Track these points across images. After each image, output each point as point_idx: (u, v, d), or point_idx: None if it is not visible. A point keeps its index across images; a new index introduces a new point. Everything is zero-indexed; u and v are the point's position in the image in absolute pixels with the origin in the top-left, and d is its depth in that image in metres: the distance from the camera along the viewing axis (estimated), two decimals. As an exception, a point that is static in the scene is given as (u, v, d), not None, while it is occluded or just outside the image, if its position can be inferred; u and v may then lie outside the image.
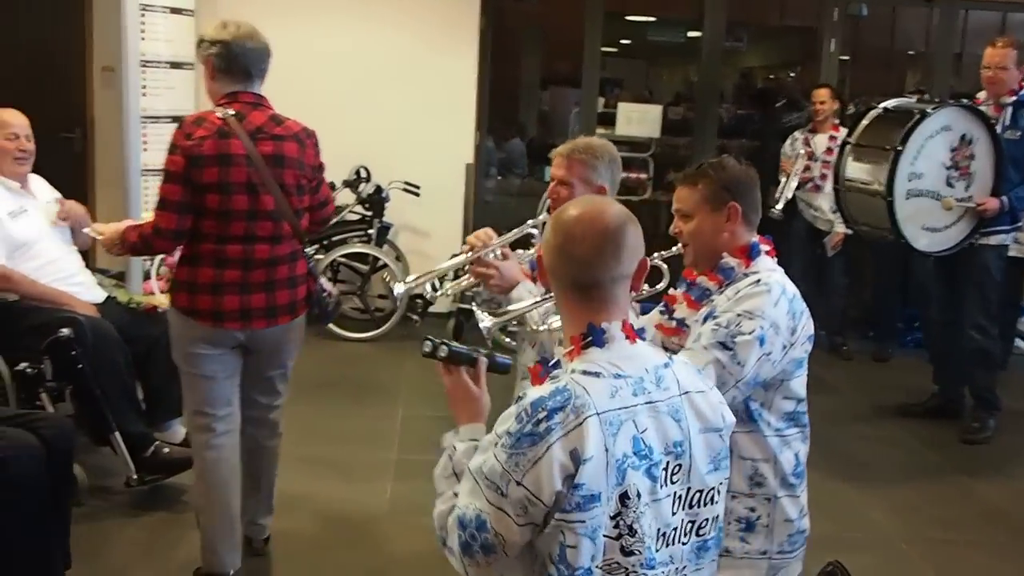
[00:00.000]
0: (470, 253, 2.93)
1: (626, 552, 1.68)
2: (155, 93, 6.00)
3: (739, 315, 2.29)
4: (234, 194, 3.10)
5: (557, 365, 1.82)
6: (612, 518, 1.67)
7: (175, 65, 6.09)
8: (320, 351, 6.30)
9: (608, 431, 1.65)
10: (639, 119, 7.63)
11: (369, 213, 6.62)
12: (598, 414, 1.65)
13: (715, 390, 1.87)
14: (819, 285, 6.48)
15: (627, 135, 7.68)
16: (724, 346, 2.26)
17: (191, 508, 3.77)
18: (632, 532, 1.68)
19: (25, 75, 6.68)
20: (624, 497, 1.66)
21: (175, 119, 6.12)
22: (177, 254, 3.31)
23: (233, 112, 3.14)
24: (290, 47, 6.73)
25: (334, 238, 6.62)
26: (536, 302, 2.59)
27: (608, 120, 7.69)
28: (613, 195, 3.21)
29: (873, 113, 5.10)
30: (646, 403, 1.72)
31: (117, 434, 3.83)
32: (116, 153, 6.07)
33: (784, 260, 2.55)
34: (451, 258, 2.54)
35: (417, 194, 6.71)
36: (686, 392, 1.78)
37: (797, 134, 6.65)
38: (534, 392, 1.69)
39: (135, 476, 3.84)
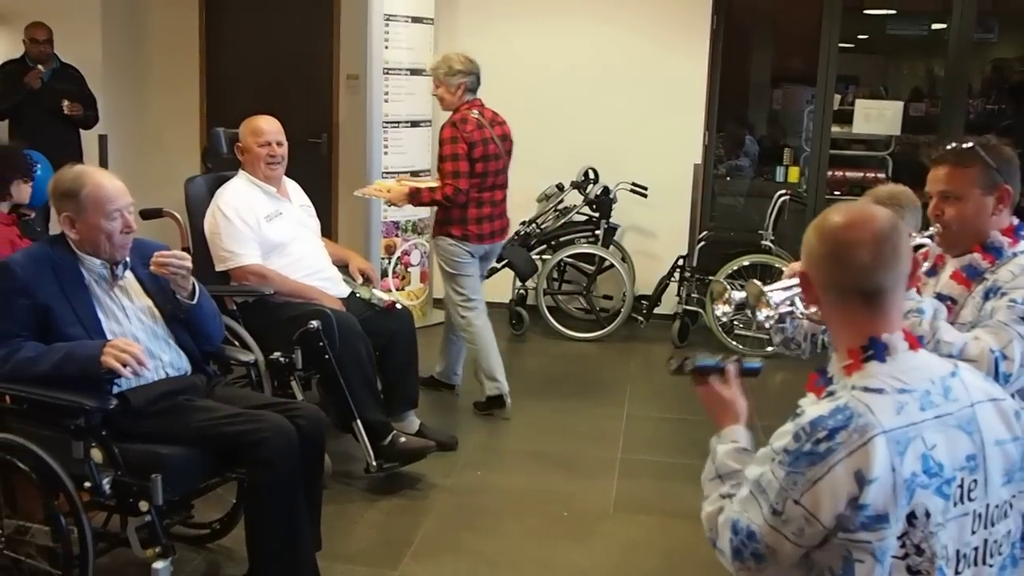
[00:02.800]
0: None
1: (913, 571, 1.62)
2: (396, 99, 6.27)
3: None
4: (488, 162, 4.81)
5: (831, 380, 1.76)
6: (898, 538, 1.60)
7: (415, 72, 6.33)
8: (546, 350, 6.40)
9: (895, 450, 1.58)
10: (877, 116, 7.30)
11: (596, 214, 6.65)
12: (885, 432, 1.58)
13: (1012, 398, 1.76)
14: None
15: (865, 133, 7.39)
16: None
17: (424, 496, 4.12)
18: (920, 552, 1.61)
19: (278, 84, 7.12)
20: (911, 517, 1.60)
21: (414, 124, 6.42)
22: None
23: (477, 112, 4.77)
24: (523, 51, 6.94)
25: (562, 239, 6.68)
26: None
27: (843, 118, 7.41)
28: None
29: None
30: (935, 417, 1.63)
31: (359, 422, 4.00)
32: (359, 157, 6.37)
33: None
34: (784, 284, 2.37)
35: (645, 195, 6.67)
36: (978, 402, 1.69)
37: None
38: (813, 410, 1.64)
39: (374, 463, 4.00)
